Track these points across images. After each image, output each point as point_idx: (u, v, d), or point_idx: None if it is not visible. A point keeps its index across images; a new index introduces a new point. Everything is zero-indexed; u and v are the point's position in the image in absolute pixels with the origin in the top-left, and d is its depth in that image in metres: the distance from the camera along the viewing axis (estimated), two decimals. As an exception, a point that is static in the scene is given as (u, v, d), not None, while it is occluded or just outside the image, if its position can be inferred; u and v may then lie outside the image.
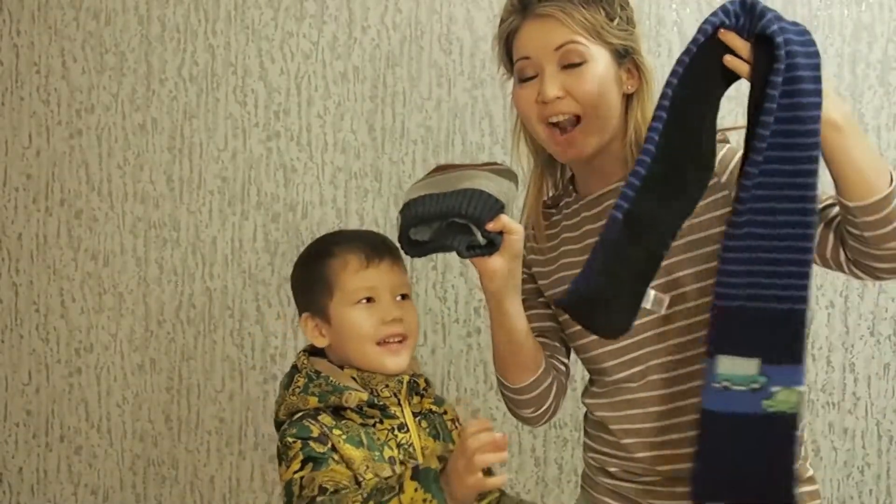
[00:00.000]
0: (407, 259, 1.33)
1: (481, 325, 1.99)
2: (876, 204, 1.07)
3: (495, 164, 1.34)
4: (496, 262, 1.23)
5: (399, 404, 1.30)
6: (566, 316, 1.33)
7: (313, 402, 1.27)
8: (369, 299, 1.31)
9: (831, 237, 1.15)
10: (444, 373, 2.02)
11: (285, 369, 2.06)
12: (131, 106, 2.07)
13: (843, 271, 1.16)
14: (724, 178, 1.22)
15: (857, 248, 1.12)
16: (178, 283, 2.08)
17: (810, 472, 1.30)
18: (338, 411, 1.27)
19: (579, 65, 1.25)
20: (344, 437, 1.24)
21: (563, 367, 1.41)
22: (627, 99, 1.30)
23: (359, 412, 1.27)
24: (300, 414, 1.27)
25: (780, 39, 1.04)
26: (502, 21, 1.33)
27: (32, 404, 2.14)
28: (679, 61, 1.10)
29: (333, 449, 1.22)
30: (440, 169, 1.34)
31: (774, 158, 1.06)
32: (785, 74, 1.04)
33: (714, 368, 1.11)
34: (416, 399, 1.33)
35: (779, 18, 1.06)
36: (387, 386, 1.30)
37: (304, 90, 2.02)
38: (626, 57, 1.28)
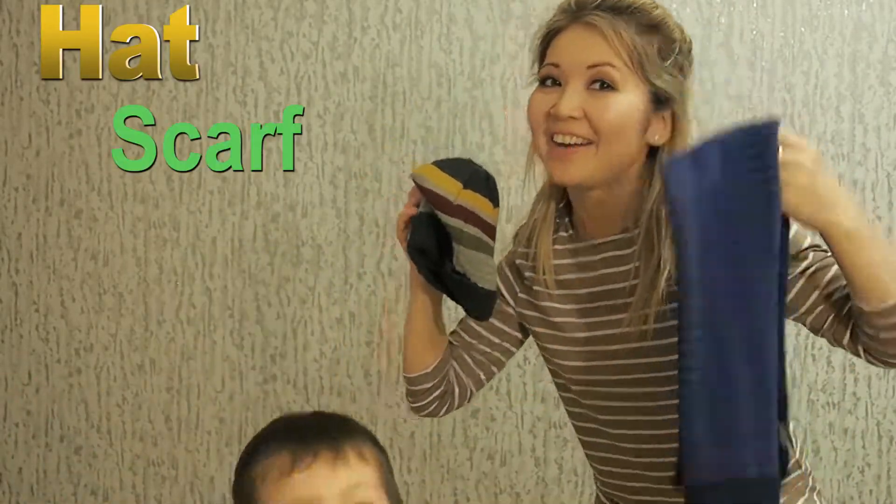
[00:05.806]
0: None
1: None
2: (893, 308, 1.00)
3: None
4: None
5: None
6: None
7: None
8: None
9: (846, 332, 1.10)
10: (444, 373, 2.01)
11: (286, 370, 2.08)
12: (131, 106, 2.07)
13: (859, 356, 1.11)
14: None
15: (873, 346, 1.06)
16: (178, 283, 2.08)
17: (803, 470, 1.28)
18: None
19: (608, 90, 1.13)
20: None
21: (460, 385, 1.34)
22: (651, 151, 1.18)
23: None
24: None
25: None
26: (552, 18, 1.21)
27: (32, 404, 2.14)
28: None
29: None
30: None
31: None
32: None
33: None
34: None
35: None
36: None
37: (304, 90, 2.02)
38: (664, 104, 1.16)
